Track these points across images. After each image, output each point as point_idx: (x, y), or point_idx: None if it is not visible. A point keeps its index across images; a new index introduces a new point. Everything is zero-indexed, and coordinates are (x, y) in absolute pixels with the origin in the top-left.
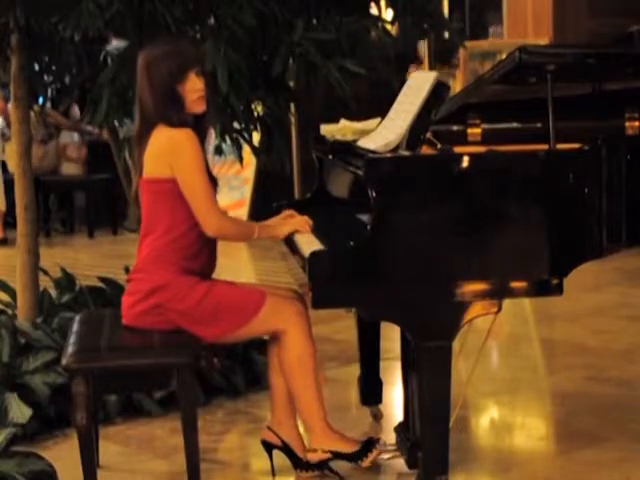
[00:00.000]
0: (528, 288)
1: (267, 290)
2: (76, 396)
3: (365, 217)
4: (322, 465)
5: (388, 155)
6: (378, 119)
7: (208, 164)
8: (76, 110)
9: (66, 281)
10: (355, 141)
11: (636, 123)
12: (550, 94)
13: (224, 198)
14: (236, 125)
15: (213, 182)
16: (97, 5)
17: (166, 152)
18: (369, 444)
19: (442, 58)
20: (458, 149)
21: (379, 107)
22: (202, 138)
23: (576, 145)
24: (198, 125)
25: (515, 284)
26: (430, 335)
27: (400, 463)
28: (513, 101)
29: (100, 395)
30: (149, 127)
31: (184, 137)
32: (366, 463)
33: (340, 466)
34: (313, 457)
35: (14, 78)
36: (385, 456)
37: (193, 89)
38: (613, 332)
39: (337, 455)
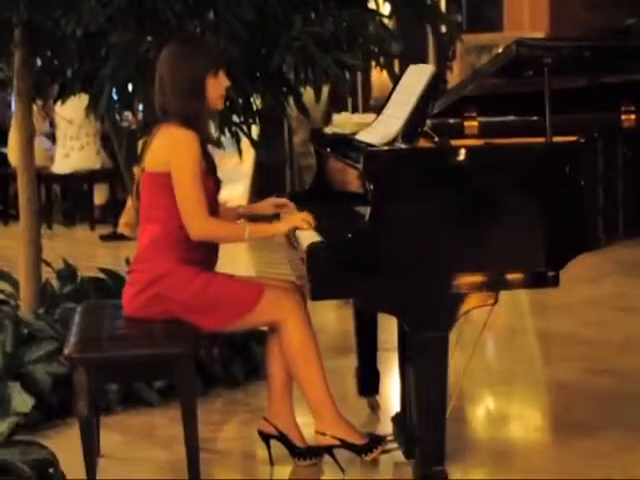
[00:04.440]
0: (524, 280)
1: (265, 282)
2: (77, 386)
3: (363, 209)
4: (326, 450)
5: (386, 148)
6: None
7: (214, 164)
8: None
9: (68, 272)
10: (353, 134)
11: (632, 116)
12: (547, 87)
13: (223, 192)
14: (235, 118)
15: (216, 183)
16: (98, 1)
17: (166, 149)
18: (376, 440)
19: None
20: (455, 142)
21: None
22: (206, 136)
23: (573, 138)
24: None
25: (512, 276)
26: (427, 326)
27: (397, 453)
28: (510, 94)
29: (101, 385)
30: (161, 120)
31: (185, 138)
32: (369, 458)
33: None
34: (321, 441)
35: (17, 72)
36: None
37: (221, 85)
38: (609, 323)
39: (345, 444)
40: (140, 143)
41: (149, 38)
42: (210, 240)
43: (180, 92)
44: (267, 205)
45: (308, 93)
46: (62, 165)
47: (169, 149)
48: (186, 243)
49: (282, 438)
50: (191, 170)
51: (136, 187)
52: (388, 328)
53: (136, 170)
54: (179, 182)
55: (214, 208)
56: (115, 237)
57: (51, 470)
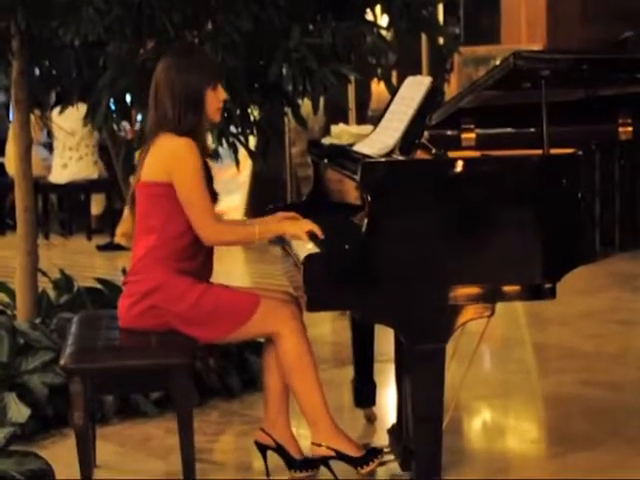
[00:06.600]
0: (521, 292)
1: (261, 293)
2: (74, 396)
3: (360, 220)
4: (322, 461)
5: (383, 159)
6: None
7: (211, 176)
8: None
9: (64, 282)
10: (351, 145)
11: (629, 128)
12: (544, 99)
13: (221, 202)
14: (233, 129)
15: (213, 195)
16: (97, 10)
17: (166, 158)
18: (373, 453)
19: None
20: (452, 154)
21: None
22: (204, 147)
23: (569, 150)
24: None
25: (508, 288)
26: (423, 338)
27: (393, 465)
28: (507, 106)
29: (97, 395)
30: (157, 131)
31: (186, 146)
32: (365, 471)
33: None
34: (317, 452)
35: (15, 82)
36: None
37: (219, 98)
38: (605, 336)
39: (340, 456)
40: (137, 154)
41: (148, 47)
42: (223, 245)
43: (179, 105)
44: (276, 219)
45: (306, 104)
46: (59, 175)
47: (169, 159)
48: (181, 253)
49: (279, 449)
50: (195, 177)
51: (131, 197)
52: (385, 339)
53: (132, 180)
54: (185, 191)
55: None
56: (112, 247)
57: None
